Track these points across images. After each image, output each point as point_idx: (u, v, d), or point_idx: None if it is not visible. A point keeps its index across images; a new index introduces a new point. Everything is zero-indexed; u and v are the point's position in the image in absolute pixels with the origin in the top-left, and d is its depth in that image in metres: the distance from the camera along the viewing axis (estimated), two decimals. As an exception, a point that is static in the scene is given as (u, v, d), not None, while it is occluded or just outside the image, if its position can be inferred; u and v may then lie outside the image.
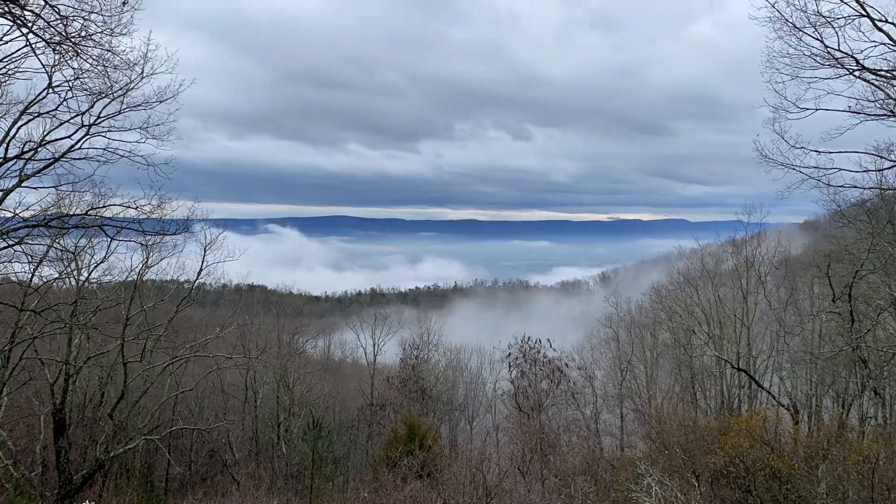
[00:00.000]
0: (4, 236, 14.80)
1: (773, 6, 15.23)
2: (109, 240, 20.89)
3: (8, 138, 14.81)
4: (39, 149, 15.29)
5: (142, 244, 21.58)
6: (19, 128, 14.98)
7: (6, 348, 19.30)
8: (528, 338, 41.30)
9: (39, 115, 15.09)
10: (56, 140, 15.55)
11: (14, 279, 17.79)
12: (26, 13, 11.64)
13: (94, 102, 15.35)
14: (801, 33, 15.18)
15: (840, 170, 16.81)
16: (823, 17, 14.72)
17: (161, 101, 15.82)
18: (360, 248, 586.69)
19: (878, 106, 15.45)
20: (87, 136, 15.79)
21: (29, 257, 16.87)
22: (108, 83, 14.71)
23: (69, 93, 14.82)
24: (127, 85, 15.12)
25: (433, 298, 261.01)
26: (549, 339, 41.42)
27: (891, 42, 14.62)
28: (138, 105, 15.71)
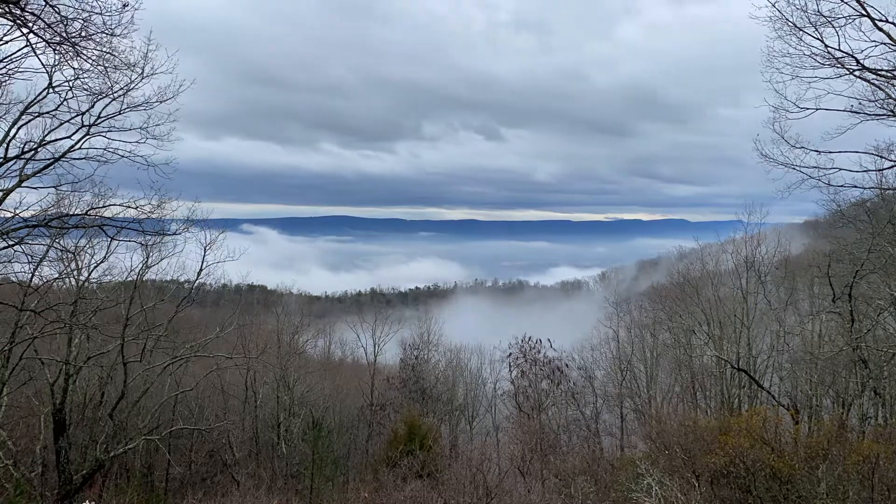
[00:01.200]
0: (4, 236, 14.80)
1: (774, 6, 15.26)
2: (109, 240, 20.87)
3: (8, 138, 14.83)
4: (39, 149, 15.31)
5: (142, 244, 21.60)
6: (19, 128, 15.01)
7: (6, 348, 19.31)
8: (529, 338, 41.36)
9: (39, 115, 15.11)
10: (56, 140, 15.58)
11: (14, 279, 17.79)
12: (26, 13, 11.64)
13: (95, 102, 15.39)
14: (801, 33, 15.21)
15: (840, 170, 16.84)
16: (824, 16, 14.74)
17: (161, 102, 15.87)
18: (359, 249, 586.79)
19: (878, 106, 15.47)
20: (87, 137, 15.81)
21: (29, 257, 16.88)
22: (108, 83, 14.75)
23: (69, 93, 14.85)
24: (127, 85, 15.16)
25: (433, 298, 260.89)
26: (549, 339, 41.47)
27: (891, 42, 14.62)
28: (138, 105, 15.75)
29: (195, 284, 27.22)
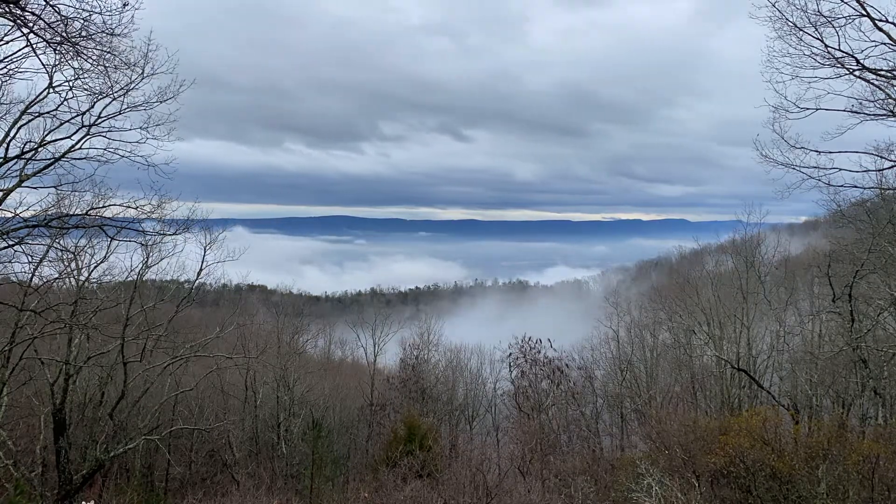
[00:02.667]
0: (4, 236, 14.80)
1: (774, 5, 15.25)
2: (109, 240, 20.87)
3: (8, 138, 14.82)
4: (39, 149, 15.31)
5: (142, 244, 21.60)
6: (20, 128, 15.00)
7: (6, 348, 19.31)
8: (529, 338, 41.35)
9: (40, 115, 15.11)
10: (56, 140, 15.58)
11: (14, 279, 17.79)
12: (26, 13, 11.64)
13: (95, 102, 15.39)
14: (801, 33, 15.20)
15: (840, 170, 16.83)
16: (824, 16, 14.74)
17: (161, 101, 15.87)
18: (359, 249, 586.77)
19: (878, 106, 15.47)
20: (88, 136, 15.81)
21: (29, 257, 16.87)
22: (108, 83, 14.75)
23: (69, 93, 14.85)
24: (127, 85, 15.16)
25: (433, 298, 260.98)
26: (549, 339, 41.46)
27: (891, 42, 14.62)
28: (139, 105, 15.75)
29: (195, 284, 27.22)
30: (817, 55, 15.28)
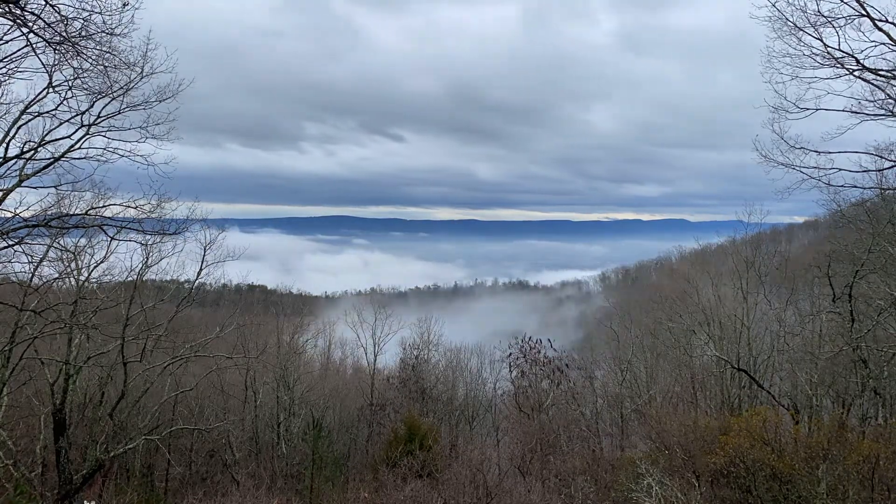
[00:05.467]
0: (4, 236, 14.79)
1: (774, 5, 15.26)
2: (109, 240, 20.90)
3: (8, 138, 14.82)
4: (39, 149, 15.31)
5: (142, 244, 21.62)
6: (19, 127, 15.00)
7: (6, 348, 19.31)
8: (529, 338, 41.34)
9: (39, 114, 15.11)
10: (56, 140, 15.58)
11: (14, 279, 17.78)
12: (26, 13, 11.64)
13: (94, 102, 15.38)
14: (801, 33, 15.21)
15: (840, 170, 16.84)
16: (824, 16, 14.75)
17: (161, 101, 15.87)
18: (359, 249, 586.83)
19: (878, 106, 15.47)
20: (87, 136, 15.81)
21: (29, 257, 16.86)
22: (108, 83, 14.74)
23: (69, 92, 14.84)
24: (127, 84, 15.15)
25: (433, 298, 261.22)
26: (549, 339, 41.45)
27: (891, 42, 14.62)
28: (138, 105, 15.75)
29: (195, 284, 27.22)
30: (817, 55, 15.30)
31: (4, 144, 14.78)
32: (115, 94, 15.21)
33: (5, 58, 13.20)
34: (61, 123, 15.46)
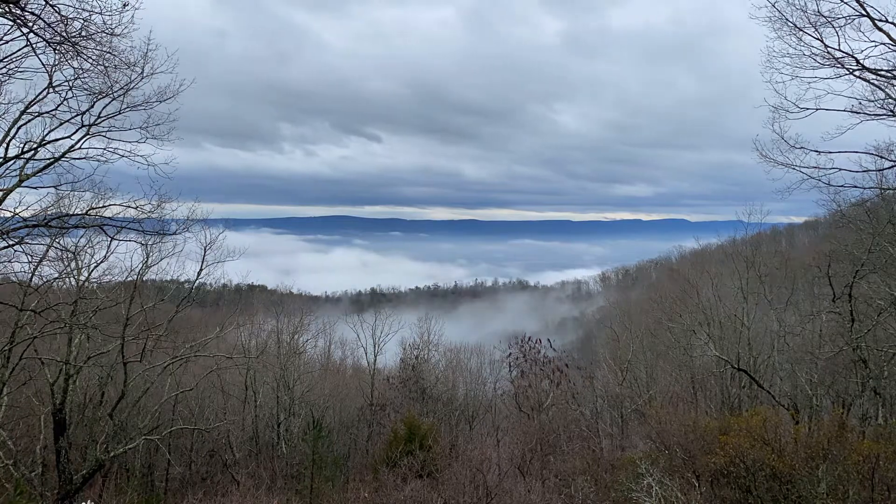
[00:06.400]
0: (4, 236, 14.79)
1: (774, 6, 15.27)
2: (109, 240, 20.90)
3: (8, 138, 14.82)
4: (39, 149, 15.31)
5: (142, 244, 21.64)
6: (19, 128, 14.99)
7: (6, 348, 19.31)
8: (529, 338, 41.38)
9: (39, 114, 15.10)
10: (56, 140, 15.57)
11: (14, 279, 17.80)
12: (26, 13, 11.64)
13: (95, 102, 15.37)
14: (801, 33, 15.23)
15: (840, 170, 16.85)
16: (823, 16, 14.75)
17: (161, 101, 15.87)
18: (359, 249, 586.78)
19: (878, 106, 15.48)
20: (87, 136, 15.81)
21: (29, 257, 16.87)
22: (108, 83, 14.73)
23: (69, 92, 14.82)
24: (127, 85, 15.14)
25: (433, 298, 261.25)
26: (549, 339, 41.50)
27: (891, 42, 14.63)
28: (138, 105, 15.74)
29: (195, 284, 27.22)
30: (817, 55, 15.31)
31: (4, 144, 14.78)
32: (115, 94, 15.21)
33: (5, 58, 13.21)
34: (61, 124, 15.46)
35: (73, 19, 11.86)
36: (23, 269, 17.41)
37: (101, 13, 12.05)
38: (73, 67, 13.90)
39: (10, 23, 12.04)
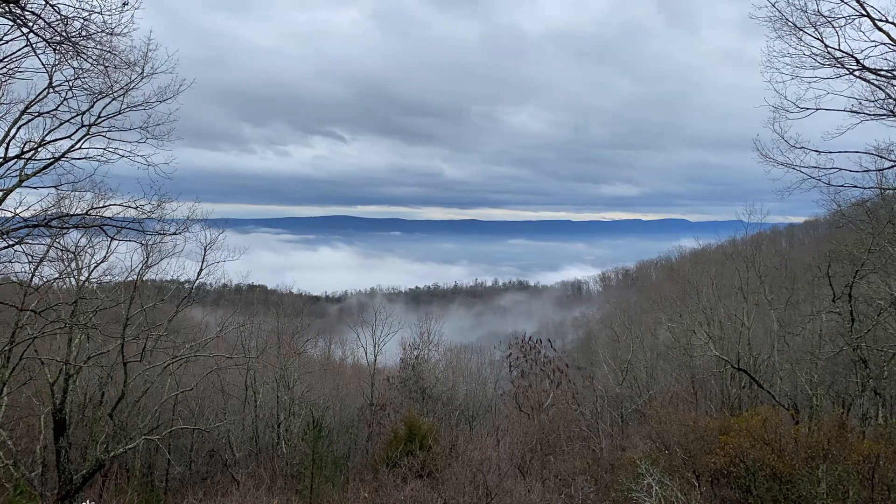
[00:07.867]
0: (4, 236, 14.79)
1: (774, 5, 15.26)
2: (109, 240, 20.87)
3: (8, 138, 14.82)
4: (39, 149, 15.31)
5: (142, 244, 21.61)
6: (19, 128, 15.00)
7: (6, 348, 19.30)
8: (529, 338, 41.39)
9: (40, 114, 15.11)
10: (56, 140, 15.58)
11: (14, 279, 17.79)
12: (26, 13, 11.64)
13: (95, 102, 15.38)
14: (801, 33, 15.21)
15: (840, 170, 16.82)
16: (824, 16, 14.75)
17: (161, 101, 15.88)
18: (358, 248, 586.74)
19: (878, 106, 15.46)
20: (87, 136, 15.82)
21: (29, 257, 16.84)
22: (108, 83, 14.75)
23: (69, 92, 14.84)
24: (127, 85, 15.16)
25: (434, 298, 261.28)
26: (549, 339, 41.51)
27: (891, 42, 14.62)
28: (138, 105, 15.76)
29: (195, 284, 27.20)
30: (817, 55, 15.30)
31: (4, 144, 14.78)
32: (115, 94, 15.22)
33: (5, 58, 13.21)
34: (61, 124, 15.46)
35: (73, 19, 11.86)
36: (23, 269, 17.40)
37: (100, 12, 12.05)
38: (73, 67, 13.93)
39: (10, 23, 12.04)
